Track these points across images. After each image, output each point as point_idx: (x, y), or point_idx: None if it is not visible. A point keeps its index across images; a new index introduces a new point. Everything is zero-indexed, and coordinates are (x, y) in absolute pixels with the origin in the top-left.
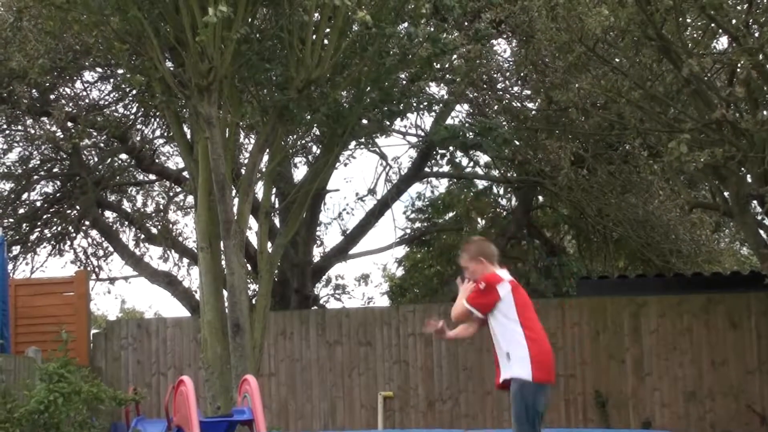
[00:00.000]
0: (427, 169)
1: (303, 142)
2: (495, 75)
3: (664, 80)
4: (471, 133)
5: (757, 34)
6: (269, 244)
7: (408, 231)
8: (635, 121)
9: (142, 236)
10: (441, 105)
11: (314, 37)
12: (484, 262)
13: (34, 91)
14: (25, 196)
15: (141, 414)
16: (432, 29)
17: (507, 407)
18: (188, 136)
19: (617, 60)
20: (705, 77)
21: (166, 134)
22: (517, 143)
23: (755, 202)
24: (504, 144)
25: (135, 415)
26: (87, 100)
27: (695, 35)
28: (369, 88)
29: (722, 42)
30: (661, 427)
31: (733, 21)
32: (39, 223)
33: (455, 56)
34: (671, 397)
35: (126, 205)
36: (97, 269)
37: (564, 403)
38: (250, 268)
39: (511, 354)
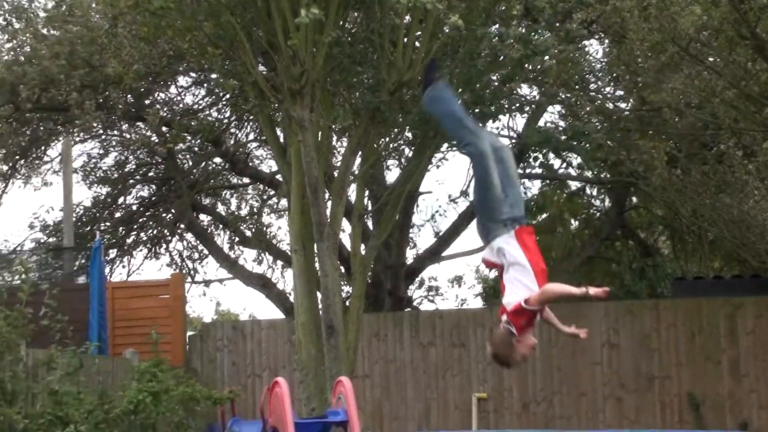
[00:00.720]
0: (519, 171)
1: (395, 144)
2: (587, 76)
3: (759, 79)
4: (564, 136)
5: None
6: (362, 247)
7: None
8: (729, 121)
9: (237, 239)
10: (533, 106)
11: (405, 39)
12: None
13: (129, 96)
14: (121, 200)
15: (237, 415)
16: (523, 30)
17: (602, 409)
18: (281, 140)
19: (711, 59)
20: None
21: (259, 138)
22: (610, 144)
23: None
24: (597, 149)
25: (231, 417)
26: (181, 105)
27: None
28: (460, 89)
29: None
30: (759, 429)
31: None
32: (135, 227)
33: (547, 57)
34: None
35: (220, 208)
36: (192, 272)
37: (659, 404)
38: (343, 270)
39: None
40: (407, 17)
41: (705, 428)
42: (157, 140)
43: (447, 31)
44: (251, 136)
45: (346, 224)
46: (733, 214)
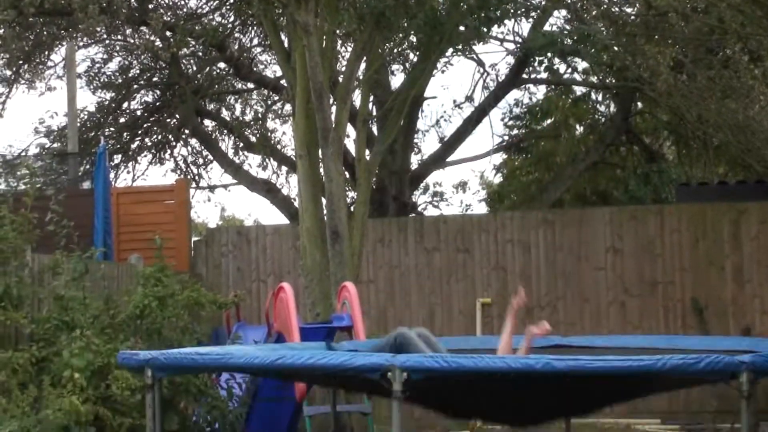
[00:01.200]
0: (524, 76)
1: (400, 49)
2: None
3: None
4: (569, 40)
5: None
6: (367, 152)
7: (505, 138)
8: (736, 26)
9: (241, 144)
10: (538, 11)
11: None
12: None
13: (132, 1)
14: (125, 105)
15: (242, 320)
16: None
17: (605, 314)
18: (285, 45)
19: None
20: None
21: (263, 42)
22: (616, 49)
23: None
24: (603, 51)
25: (236, 321)
26: (185, 9)
27: None
28: None
29: None
30: (761, 334)
31: None
32: (139, 132)
33: None
34: None
35: (225, 113)
36: (197, 177)
37: (662, 309)
38: (348, 175)
39: None
40: None
41: (708, 333)
42: (160, 45)
43: None
44: (255, 41)
45: (350, 129)
46: (739, 119)
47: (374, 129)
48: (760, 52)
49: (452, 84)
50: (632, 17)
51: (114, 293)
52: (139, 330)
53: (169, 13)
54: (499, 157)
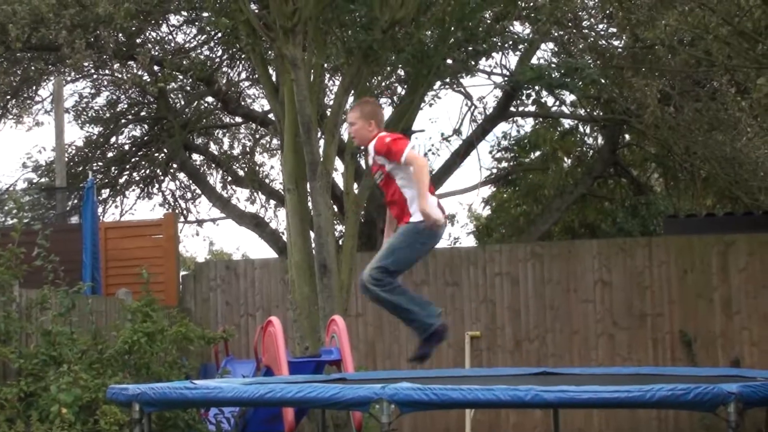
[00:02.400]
0: (512, 109)
1: (388, 82)
2: (580, 13)
3: (753, 16)
4: (557, 73)
5: None
6: (355, 186)
7: (494, 171)
8: (723, 58)
9: (229, 178)
10: (526, 44)
11: None
12: (372, 125)
13: (120, 35)
14: (113, 139)
15: (230, 354)
16: None
17: (594, 346)
18: (274, 79)
19: None
20: None
21: (251, 77)
22: (603, 81)
23: None
24: (591, 84)
25: (224, 356)
26: (172, 44)
27: None
28: (453, 27)
29: None
30: (751, 365)
31: None
32: (127, 167)
33: None
34: (761, 336)
35: (213, 147)
36: (185, 211)
37: (651, 342)
38: (336, 209)
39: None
40: None
41: (697, 365)
42: (148, 79)
43: None
44: (243, 75)
45: (338, 163)
46: (726, 151)
47: (362, 162)
48: (747, 84)
49: (440, 117)
50: (619, 50)
51: (102, 328)
52: (128, 365)
53: (156, 48)
54: (487, 190)
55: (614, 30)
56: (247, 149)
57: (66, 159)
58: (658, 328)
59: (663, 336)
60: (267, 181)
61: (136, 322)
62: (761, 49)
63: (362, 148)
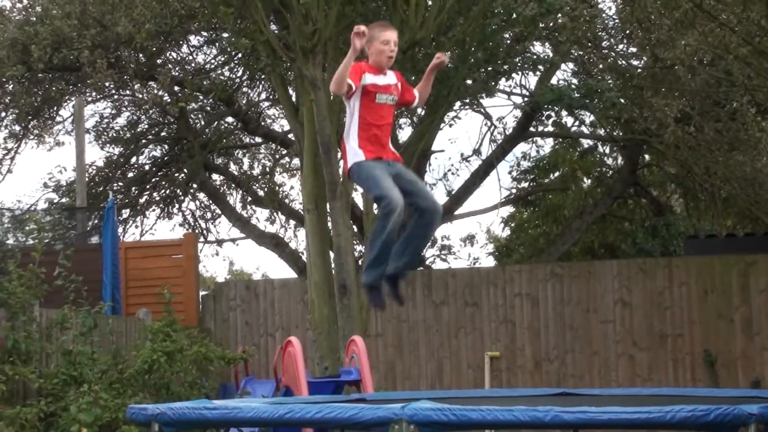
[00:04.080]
0: (532, 129)
1: None
2: (600, 33)
3: None
4: (577, 94)
5: None
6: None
7: (513, 191)
8: (743, 78)
9: (249, 198)
10: (546, 65)
11: None
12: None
13: (140, 55)
14: (133, 160)
15: (250, 375)
16: None
17: (614, 367)
18: (293, 99)
19: (724, 16)
20: None
21: (271, 97)
22: (623, 102)
23: None
24: (612, 107)
25: (244, 376)
26: (193, 64)
27: None
28: (473, 48)
29: None
30: None
31: None
32: (148, 187)
33: (560, 15)
34: None
35: (233, 167)
36: (205, 231)
37: (672, 362)
38: (356, 229)
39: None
40: None
41: (718, 386)
42: (169, 100)
43: None
44: (263, 96)
45: None
46: (746, 171)
47: None
48: (767, 105)
49: (460, 137)
50: (639, 70)
51: (122, 348)
52: (148, 385)
53: (177, 68)
54: (506, 211)
55: (634, 50)
56: (267, 169)
57: (86, 179)
58: (678, 349)
59: (683, 357)
60: (287, 201)
61: (156, 342)
62: None
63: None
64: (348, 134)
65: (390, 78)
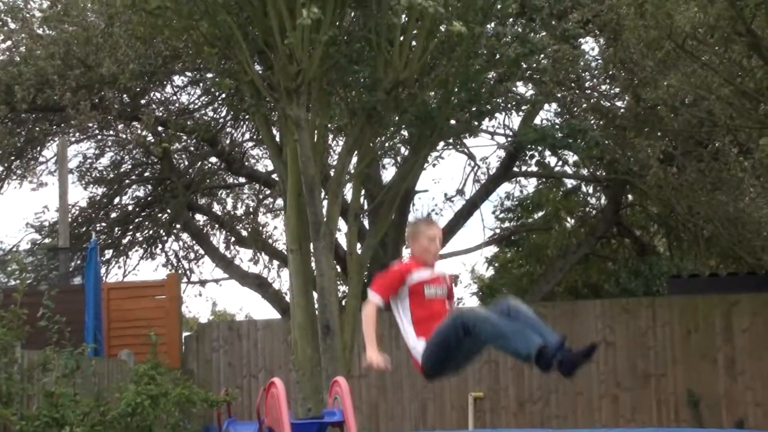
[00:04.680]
0: (515, 169)
1: (391, 143)
2: (583, 74)
3: (755, 76)
4: (560, 134)
5: None
6: (358, 246)
7: (497, 231)
8: (725, 118)
9: (233, 239)
10: (529, 105)
11: (402, 38)
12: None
13: (124, 96)
14: (117, 200)
15: (232, 416)
16: (519, 29)
17: (598, 407)
18: (277, 139)
19: (706, 56)
20: None
21: (255, 137)
22: (606, 142)
23: None
24: (595, 147)
25: (227, 418)
26: (177, 105)
27: None
28: (457, 88)
29: None
30: (755, 426)
31: None
32: (131, 227)
33: (543, 55)
34: (765, 397)
35: (216, 208)
36: (188, 272)
37: (655, 403)
38: (339, 269)
39: None
40: (404, 16)
41: (702, 427)
42: (152, 140)
43: (444, 30)
44: (247, 136)
45: (342, 223)
46: (729, 211)
47: (365, 223)
48: (749, 144)
49: (443, 177)
50: (622, 110)
51: (104, 389)
52: (130, 428)
53: (161, 108)
54: (490, 250)
55: (617, 90)
56: (251, 209)
57: (69, 219)
58: (662, 389)
59: (667, 397)
60: (270, 241)
61: (140, 384)
62: (763, 110)
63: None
64: (403, 324)
65: (438, 269)
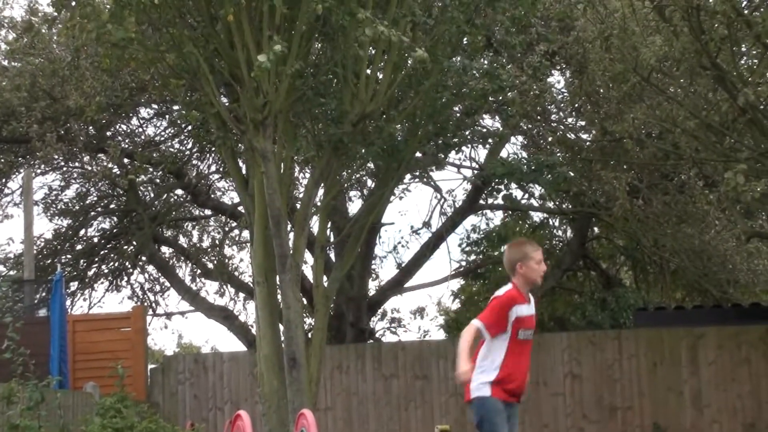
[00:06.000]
0: (481, 202)
1: (358, 175)
2: (549, 107)
3: (720, 109)
4: (527, 168)
5: None
6: (325, 278)
7: (463, 263)
8: (691, 151)
9: (199, 271)
10: (495, 138)
11: (369, 71)
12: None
13: (90, 128)
14: (82, 232)
15: None
16: (486, 63)
17: None
18: (243, 171)
19: (672, 89)
20: (761, 106)
21: (221, 169)
22: (572, 175)
23: None
24: (563, 182)
25: None
26: (143, 137)
27: (750, 64)
28: (424, 121)
29: None
30: None
31: None
32: (96, 259)
33: (509, 91)
34: (730, 430)
35: (182, 240)
36: (153, 304)
37: None
38: (306, 302)
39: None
40: (371, 49)
41: None
42: (118, 172)
43: (411, 63)
44: (213, 168)
45: (308, 256)
46: (695, 244)
47: (332, 255)
48: (714, 178)
49: (410, 210)
50: (588, 143)
51: (70, 423)
52: None
53: (127, 141)
54: (456, 283)
55: (583, 123)
56: (217, 242)
57: (35, 251)
58: (628, 422)
59: (633, 429)
60: (236, 274)
61: (105, 417)
62: (728, 143)
63: (332, 241)
64: (483, 364)
65: (532, 307)
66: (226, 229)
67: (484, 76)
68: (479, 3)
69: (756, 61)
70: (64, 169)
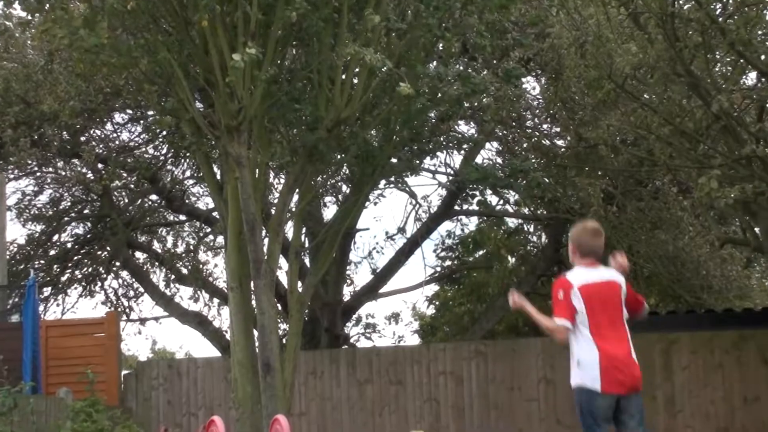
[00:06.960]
0: (456, 208)
1: (333, 181)
2: (524, 113)
3: (694, 116)
4: (502, 174)
5: None
6: (299, 284)
7: (438, 269)
8: (665, 158)
9: (173, 276)
10: (470, 143)
11: (344, 76)
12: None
13: (64, 133)
14: (56, 237)
15: None
16: (461, 68)
17: None
18: (218, 177)
19: (646, 96)
20: (734, 113)
21: (195, 175)
22: (547, 181)
23: None
24: (537, 187)
25: None
26: (117, 142)
27: (724, 71)
28: (399, 127)
29: (751, 77)
30: None
31: (762, 57)
32: (70, 265)
33: (484, 95)
34: None
35: (156, 245)
36: (127, 310)
37: None
38: (280, 307)
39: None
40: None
41: None
42: (92, 177)
43: (385, 69)
44: (188, 173)
45: (283, 261)
46: (669, 250)
47: (307, 261)
48: (688, 184)
49: (385, 215)
50: (563, 149)
51: (43, 428)
52: None
53: (101, 146)
54: (431, 289)
55: (558, 129)
56: (191, 247)
57: (8, 257)
58: None
59: None
60: (210, 279)
61: (77, 422)
62: (702, 150)
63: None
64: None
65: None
66: (201, 234)
67: (457, 80)
68: (451, 7)
69: (730, 68)
70: (38, 174)
